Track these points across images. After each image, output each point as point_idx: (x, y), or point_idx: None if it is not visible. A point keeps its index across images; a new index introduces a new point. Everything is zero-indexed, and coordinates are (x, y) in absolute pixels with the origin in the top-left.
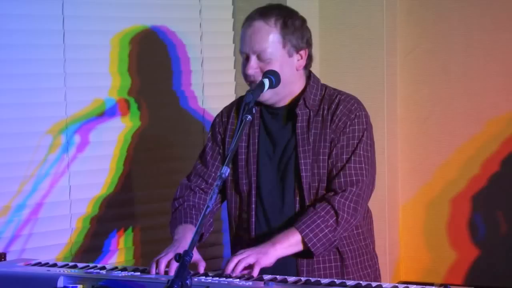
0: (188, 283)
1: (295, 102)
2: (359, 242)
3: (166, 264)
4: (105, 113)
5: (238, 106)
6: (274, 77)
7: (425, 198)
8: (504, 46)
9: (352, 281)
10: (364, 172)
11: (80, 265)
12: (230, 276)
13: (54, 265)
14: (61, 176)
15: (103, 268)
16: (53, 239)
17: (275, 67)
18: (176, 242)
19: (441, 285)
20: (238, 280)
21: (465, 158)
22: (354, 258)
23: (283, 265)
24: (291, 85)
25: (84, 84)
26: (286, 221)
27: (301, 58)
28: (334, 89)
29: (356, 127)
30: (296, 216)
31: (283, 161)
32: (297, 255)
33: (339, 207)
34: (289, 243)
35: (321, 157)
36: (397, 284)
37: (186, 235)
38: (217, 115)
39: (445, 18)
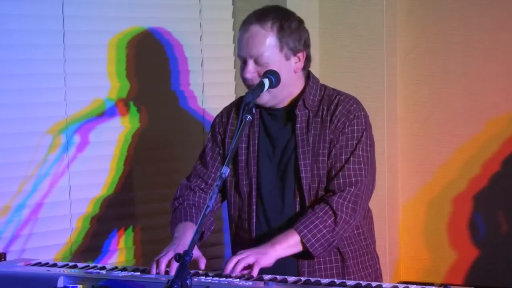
0: (188, 283)
1: (294, 103)
2: (359, 242)
3: (166, 264)
4: (105, 113)
5: (238, 106)
6: (274, 77)
7: (426, 198)
8: (504, 46)
9: (352, 281)
10: (363, 172)
11: (80, 265)
12: (230, 276)
13: (54, 265)
14: (61, 176)
15: (103, 268)
16: (53, 239)
17: None
18: (176, 240)
19: (441, 285)
20: (238, 280)
21: (465, 158)
22: (355, 258)
23: (284, 266)
24: (290, 87)
25: (84, 84)
26: (286, 222)
27: (299, 60)
28: (334, 90)
29: (355, 127)
30: (296, 217)
31: (283, 161)
32: (297, 256)
33: (337, 207)
34: (288, 244)
35: (320, 158)
36: (397, 284)
37: (186, 233)
38: (217, 116)
39: (445, 18)
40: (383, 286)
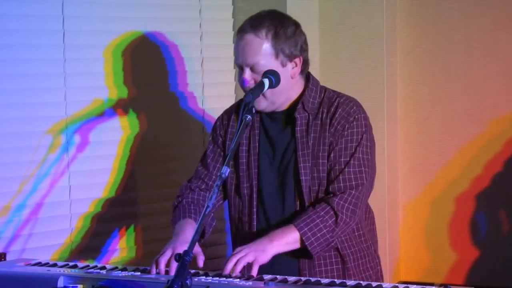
0: (188, 283)
1: (294, 106)
2: (360, 244)
3: (165, 263)
4: (105, 113)
5: (238, 108)
6: (274, 77)
7: (426, 198)
8: (504, 46)
9: (352, 281)
10: (363, 175)
11: (80, 265)
12: (230, 276)
13: (54, 265)
14: (61, 176)
15: (103, 268)
16: (53, 239)
17: None
18: (174, 237)
19: (441, 285)
20: (238, 280)
21: (468, 158)
22: (356, 260)
23: (285, 267)
24: (287, 93)
25: (84, 84)
26: (287, 224)
27: (296, 65)
28: (334, 91)
29: (355, 130)
30: None
31: (283, 164)
32: (297, 256)
33: (339, 208)
34: (287, 241)
35: (320, 161)
36: (397, 284)
37: (184, 230)
38: (218, 118)
39: (445, 18)
40: (383, 286)
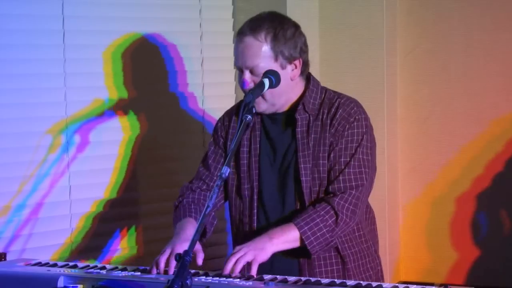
0: (188, 283)
1: (294, 107)
2: (360, 244)
3: (165, 263)
4: (105, 113)
5: (239, 109)
6: (274, 77)
7: (427, 198)
8: (504, 46)
9: (352, 281)
10: (363, 176)
11: (80, 265)
12: (230, 276)
13: (54, 265)
14: (61, 176)
15: (103, 268)
16: (53, 239)
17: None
18: (175, 236)
19: (441, 285)
20: (238, 280)
21: (469, 158)
22: (356, 261)
23: (285, 268)
24: (288, 94)
25: (84, 84)
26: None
27: (296, 67)
28: (335, 92)
29: (355, 130)
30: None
31: (284, 165)
32: (297, 256)
33: (339, 208)
34: (286, 239)
35: (320, 161)
36: (397, 284)
37: (185, 229)
38: (219, 119)
39: (445, 18)
40: (383, 286)
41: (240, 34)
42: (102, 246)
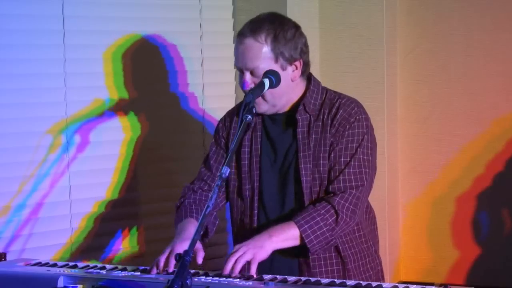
0: (188, 283)
1: (295, 108)
2: (360, 244)
3: (164, 262)
4: (105, 113)
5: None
6: (274, 77)
7: (427, 198)
8: (504, 46)
9: (352, 281)
10: (364, 176)
11: (80, 265)
12: (230, 276)
13: (54, 265)
14: (61, 176)
15: (103, 268)
16: (53, 239)
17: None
18: (176, 236)
19: (441, 285)
20: (238, 280)
21: (468, 158)
22: (356, 261)
23: (285, 268)
24: (288, 95)
25: (84, 84)
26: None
27: (296, 68)
28: (335, 93)
29: (356, 130)
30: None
31: (285, 166)
32: (297, 256)
33: (339, 208)
34: (286, 237)
35: (321, 162)
36: (397, 284)
37: (186, 229)
38: (220, 120)
39: (445, 18)
40: (383, 286)
41: (241, 36)
42: (104, 246)
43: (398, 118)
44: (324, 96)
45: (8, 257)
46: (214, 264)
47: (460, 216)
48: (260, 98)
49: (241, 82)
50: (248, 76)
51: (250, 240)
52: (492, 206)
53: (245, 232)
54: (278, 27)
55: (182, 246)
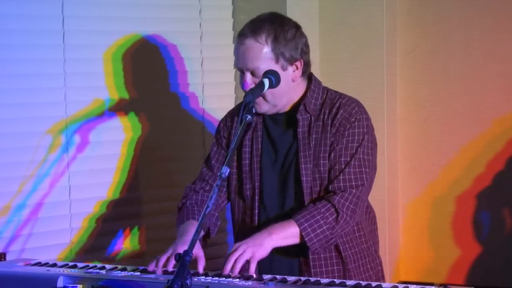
0: (188, 283)
1: (296, 108)
2: (360, 244)
3: (164, 261)
4: (105, 113)
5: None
6: (274, 77)
7: (427, 198)
8: (504, 46)
9: (352, 281)
10: (364, 175)
11: (80, 265)
12: (229, 276)
13: (54, 265)
14: (61, 176)
15: (103, 268)
16: (53, 239)
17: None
18: (178, 237)
19: (441, 285)
20: (238, 280)
21: (468, 158)
22: (356, 261)
23: (285, 268)
24: (289, 95)
25: (84, 84)
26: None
27: (297, 68)
28: (336, 92)
29: (356, 130)
30: None
31: (285, 166)
32: (297, 255)
33: (339, 206)
34: (286, 235)
35: (321, 162)
36: (397, 284)
37: (188, 231)
38: (222, 120)
39: (445, 18)
40: (383, 286)
41: (241, 36)
42: (106, 245)
43: (398, 118)
44: (324, 96)
45: (8, 257)
46: (214, 264)
47: (460, 216)
48: (261, 98)
49: (242, 83)
50: (248, 76)
51: (250, 238)
52: (493, 206)
53: (246, 232)
54: (278, 28)
55: (183, 248)
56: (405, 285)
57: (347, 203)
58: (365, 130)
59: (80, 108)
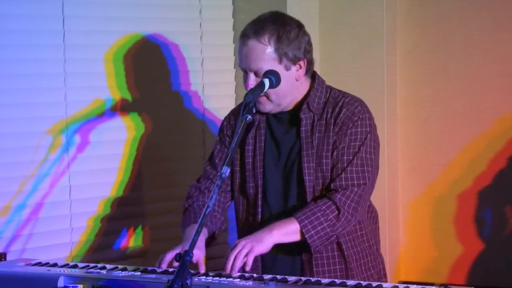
0: (188, 283)
1: (299, 107)
2: (362, 243)
3: (170, 258)
4: (105, 113)
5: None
6: (274, 77)
7: (427, 198)
8: (504, 46)
9: (352, 281)
10: (366, 174)
11: (80, 264)
12: (230, 276)
13: (54, 265)
14: (61, 176)
15: (103, 268)
16: (53, 239)
17: None
18: (184, 240)
19: (441, 285)
20: (238, 280)
21: (468, 158)
22: (358, 260)
23: (287, 267)
24: (293, 94)
25: (84, 84)
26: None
27: (300, 68)
28: (339, 91)
29: (359, 129)
30: None
31: (288, 165)
32: (299, 253)
33: (341, 204)
34: (286, 231)
35: (324, 161)
36: (397, 284)
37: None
38: (225, 118)
39: (445, 18)
40: (384, 286)
41: (244, 37)
42: (110, 245)
43: (398, 118)
44: (328, 94)
45: (8, 257)
46: (214, 264)
47: (461, 216)
48: (264, 97)
49: (245, 83)
50: (252, 77)
51: (251, 235)
52: (493, 206)
53: (249, 230)
54: (281, 28)
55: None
56: (406, 285)
57: (348, 201)
58: (368, 129)
59: (80, 108)
